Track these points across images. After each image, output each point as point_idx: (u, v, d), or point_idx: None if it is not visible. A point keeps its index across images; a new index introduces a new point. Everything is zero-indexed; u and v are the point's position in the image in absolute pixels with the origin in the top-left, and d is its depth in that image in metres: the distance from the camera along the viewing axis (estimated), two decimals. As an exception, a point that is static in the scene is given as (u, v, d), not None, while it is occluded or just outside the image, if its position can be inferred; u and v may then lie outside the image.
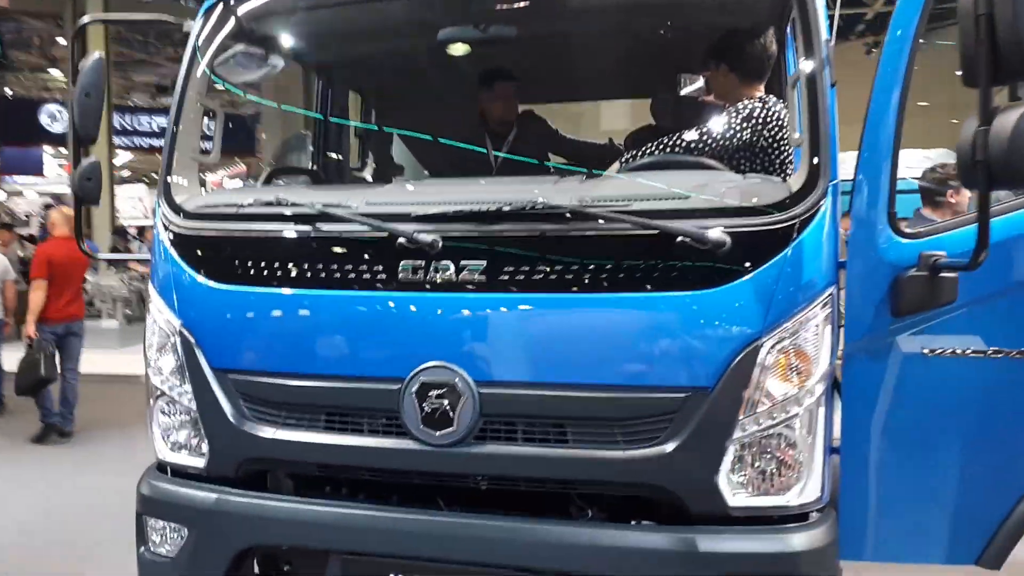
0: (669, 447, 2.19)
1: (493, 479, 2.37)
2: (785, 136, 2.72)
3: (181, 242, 2.62)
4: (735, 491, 2.20)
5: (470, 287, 2.31)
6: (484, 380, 2.29)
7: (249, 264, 2.51)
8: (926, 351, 2.29)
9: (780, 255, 2.18)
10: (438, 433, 2.30)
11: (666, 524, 2.27)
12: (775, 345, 2.17)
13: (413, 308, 2.36)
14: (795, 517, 2.23)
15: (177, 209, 2.68)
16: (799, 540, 2.16)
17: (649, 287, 2.23)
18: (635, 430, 2.23)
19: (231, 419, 2.49)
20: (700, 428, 2.18)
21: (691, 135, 2.75)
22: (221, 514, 2.46)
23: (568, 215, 2.26)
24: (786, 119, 2.72)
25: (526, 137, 3.93)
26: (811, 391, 2.19)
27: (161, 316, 2.61)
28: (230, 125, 14.34)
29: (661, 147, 2.77)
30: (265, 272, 2.48)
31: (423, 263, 2.33)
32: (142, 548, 2.63)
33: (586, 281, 2.26)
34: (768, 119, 2.73)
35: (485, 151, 3.74)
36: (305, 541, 2.42)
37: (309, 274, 2.45)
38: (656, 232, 2.21)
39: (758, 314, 2.17)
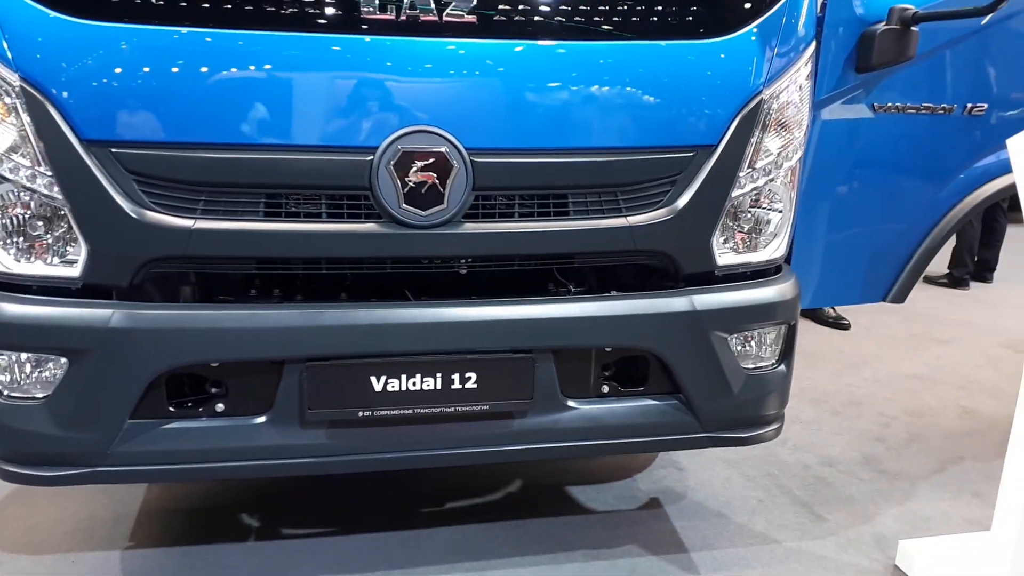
0: (672, 210, 2.08)
1: (480, 260, 2.09)
2: None
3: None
4: (722, 250, 2.19)
5: (458, 30, 1.88)
6: (478, 148, 1.93)
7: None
8: (876, 106, 2.40)
9: (782, 2, 2.08)
10: (425, 212, 1.93)
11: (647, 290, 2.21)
12: (774, 98, 2.11)
13: (386, 58, 1.88)
14: (772, 271, 2.30)
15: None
16: (786, 289, 2.23)
17: (661, 35, 2.01)
18: (639, 195, 2.08)
19: (126, 210, 1.83)
20: (703, 188, 2.09)
21: None
22: (134, 333, 1.87)
23: None
24: None
25: None
26: (799, 146, 2.20)
27: (-21, 67, 1.77)
28: None
29: None
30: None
31: None
32: None
33: (595, 27, 1.97)
34: None
35: None
36: (256, 352, 1.95)
37: (241, 2, 1.80)
38: None
39: (761, 65, 2.08)
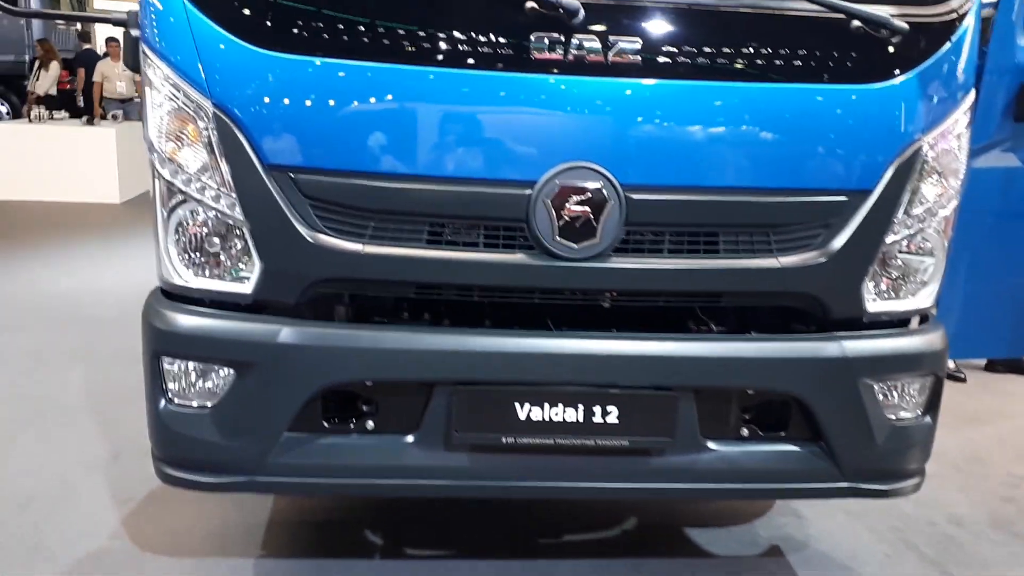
0: (825, 253, 2.07)
1: (625, 295, 2.11)
2: None
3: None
4: (872, 296, 2.15)
5: (620, 70, 1.93)
6: (632, 184, 1.97)
7: (325, 22, 1.89)
8: (1026, 161, 2.34)
9: (946, 48, 2.06)
10: (578, 245, 1.97)
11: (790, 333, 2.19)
12: (932, 146, 2.08)
13: (550, 96, 1.94)
14: (921, 320, 2.25)
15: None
16: (936, 339, 2.18)
17: (821, 79, 2.01)
18: (791, 236, 2.07)
19: (300, 232, 1.94)
20: (857, 233, 2.07)
21: None
22: (300, 349, 1.96)
23: None
24: None
25: None
26: (955, 195, 2.15)
27: (177, 93, 1.91)
28: None
29: None
30: (350, 35, 1.89)
31: (563, 37, 1.90)
32: (161, 400, 2.04)
33: (753, 69, 1.99)
34: None
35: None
36: (412, 373, 2.01)
37: (415, 42, 1.89)
38: (832, 16, 1.98)
39: (920, 112, 2.06)
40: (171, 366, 2.03)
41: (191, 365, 2.03)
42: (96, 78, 11.47)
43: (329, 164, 1.92)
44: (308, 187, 1.93)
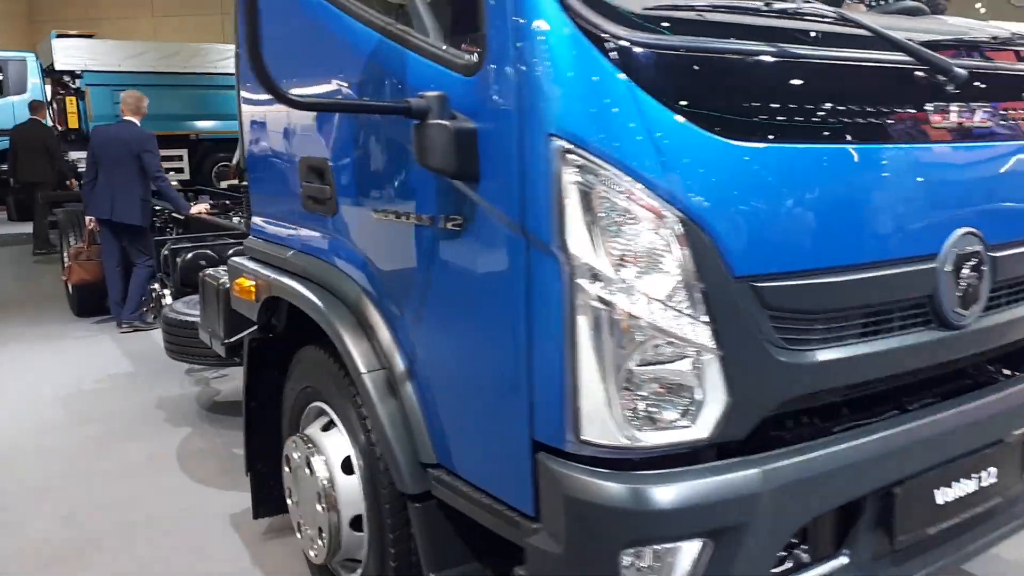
0: None
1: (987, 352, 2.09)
2: None
3: (666, 70, 1.49)
4: None
5: (998, 135, 1.95)
6: (997, 243, 1.98)
7: (780, 106, 1.61)
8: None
9: None
10: (967, 312, 1.93)
11: None
12: None
13: (947, 163, 1.87)
14: None
15: (622, 16, 1.50)
16: None
17: None
18: None
19: (768, 350, 1.61)
20: None
21: None
22: (785, 491, 1.60)
23: None
24: None
25: None
26: None
27: (627, 200, 1.47)
28: None
29: None
30: (805, 115, 1.63)
31: (950, 105, 1.86)
32: None
33: None
34: None
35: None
36: (873, 483, 1.77)
37: (852, 119, 1.70)
38: None
39: None
40: (633, 558, 1.54)
41: (651, 551, 1.56)
42: None
43: (798, 265, 1.64)
44: (771, 295, 1.61)
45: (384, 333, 2.08)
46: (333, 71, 2.18)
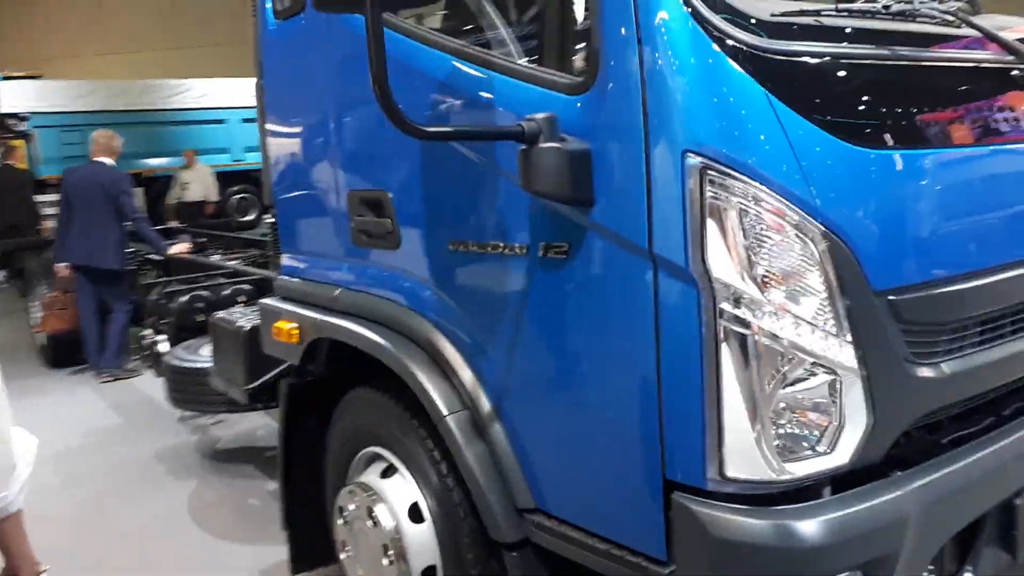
0: None
1: None
2: None
3: (802, 78, 1.42)
4: None
5: None
6: None
7: (914, 111, 1.55)
8: None
9: None
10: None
11: None
12: None
13: None
14: None
15: (752, 25, 1.42)
16: None
17: None
18: None
19: (905, 367, 1.54)
20: None
21: None
22: (934, 508, 1.54)
23: None
24: None
25: None
26: None
27: (778, 217, 1.39)
28: None
29: None
30: (938, 120, 1.58)
31: None
32: None
33: None
34: None
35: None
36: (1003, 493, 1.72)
37: (981, 123, 1.65)
38: None
39: None
40: None
41: None
42: None
43: (932, 274, 1.58)
44: (906, 307, 1.54)
45: (465, 372, 1.96)
46: (418, 105, 2.03)
